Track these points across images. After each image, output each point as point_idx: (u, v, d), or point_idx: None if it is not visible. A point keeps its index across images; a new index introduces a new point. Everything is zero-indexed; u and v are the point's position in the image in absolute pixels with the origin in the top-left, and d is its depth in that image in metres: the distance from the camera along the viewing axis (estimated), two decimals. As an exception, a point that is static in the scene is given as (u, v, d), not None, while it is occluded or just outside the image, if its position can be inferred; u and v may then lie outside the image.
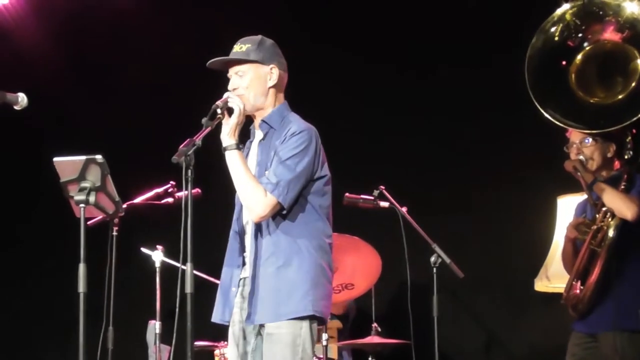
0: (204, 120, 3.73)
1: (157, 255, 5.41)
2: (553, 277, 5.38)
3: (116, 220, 4.78)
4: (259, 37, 3.99)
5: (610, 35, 4.56)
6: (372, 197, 5.24)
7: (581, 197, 4.88)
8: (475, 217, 6.26)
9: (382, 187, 5.22)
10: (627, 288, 4.50)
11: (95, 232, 4.42)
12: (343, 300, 5.71)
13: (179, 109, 5.90)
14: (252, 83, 3.93)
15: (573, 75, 4.61)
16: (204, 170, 3.73)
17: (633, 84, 4.51)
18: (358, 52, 6.55)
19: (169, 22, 6.87)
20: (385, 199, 5.22)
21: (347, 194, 5.22)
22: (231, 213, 4.03)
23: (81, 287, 3.75)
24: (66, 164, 3.81)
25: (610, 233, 4.50)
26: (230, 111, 3.84)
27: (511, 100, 5.62)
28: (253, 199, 3.79)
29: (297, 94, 4.09)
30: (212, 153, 3.79)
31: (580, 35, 4.59)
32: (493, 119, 6.17)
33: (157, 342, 5.31)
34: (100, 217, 4.53)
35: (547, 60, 4.59)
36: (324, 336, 5.23)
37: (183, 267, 3.58)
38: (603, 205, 4.55)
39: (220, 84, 4.05)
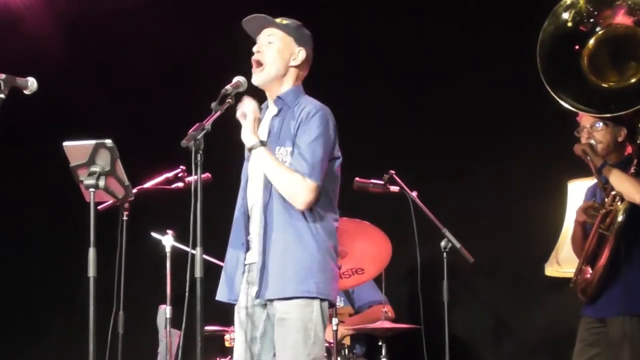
0: (213, 104, 3.74)
1: (168, 240, 5.40)
2: (564, 262, 5.37)
3: (126, 205, 4.78)
4: (300, 22, 4.05)
5: (622, 19, 4.54)
6: (382, 182, 5.23)
7: (592, 181, 4.87)
8: (485, 202, 6.23)
9: (392, 171, 5.21)
10: (636, 272, 4.50)
11: (105, 217, 4.43)
12: (353, 285, 5.70)
13: (189, 94, 5.88)
14: (277, 52, 3.96)
15: (586, 60, 4.59)
16: (213, 154, 3.73)
17: (645, 68, 4.50)
18: (373, 32, 6.53)
19: (181, 5, 6.87)
20: (396, 184, 5.21)
21: (357, 179, 5.22)
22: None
23: (91, 272, 3.75)
24: (76, 148, 3.80)
25: (619, 217, 4.50)
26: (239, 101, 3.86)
27: (522, 85, 5.60)
28: (293, 187, 3.79)
29: (308, 76, 4.10)
30: (221, 138, 3.78)
31: (592, 20, 4.57)
32: (504, 104, 6.15)
33: (168, 326, 5.31)
34: (110, 201, 4.54)
35: (559, 45, 4.57)
36: (334, 321, 5.23)
37: (193, 251, 3.59)
38: (612, 189, 4.54)
39: (229, 68, 4.04)
